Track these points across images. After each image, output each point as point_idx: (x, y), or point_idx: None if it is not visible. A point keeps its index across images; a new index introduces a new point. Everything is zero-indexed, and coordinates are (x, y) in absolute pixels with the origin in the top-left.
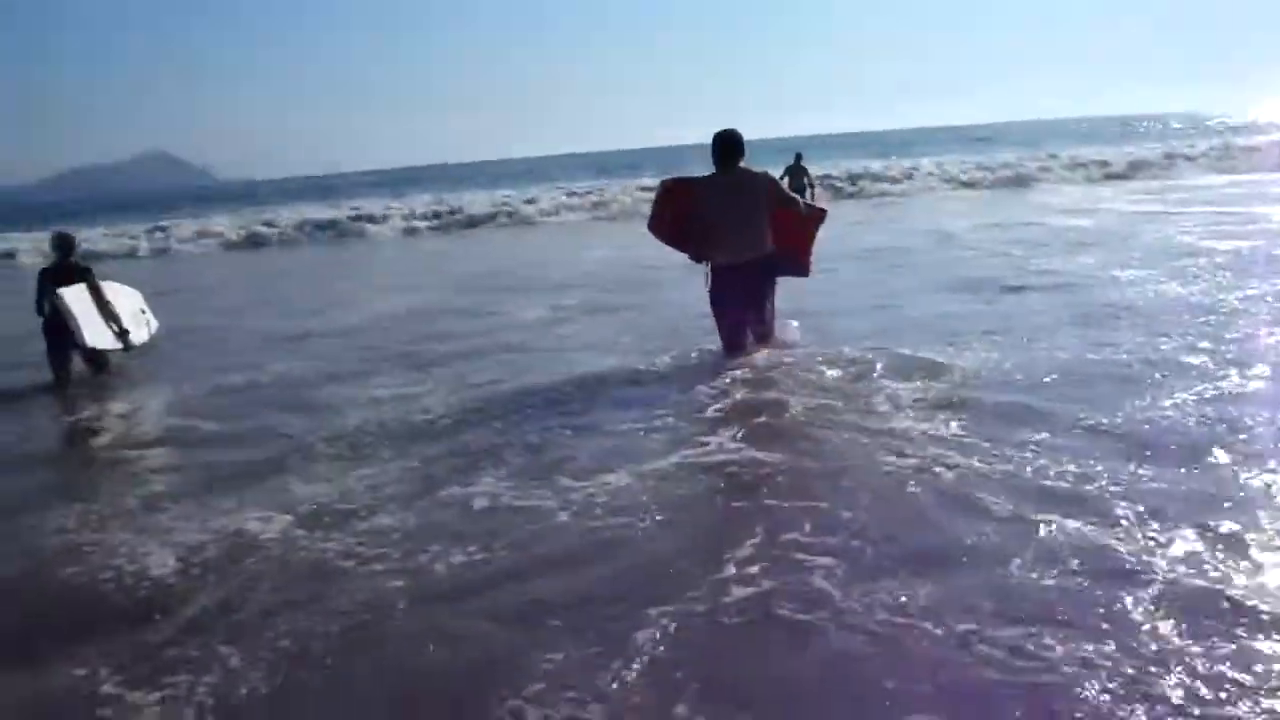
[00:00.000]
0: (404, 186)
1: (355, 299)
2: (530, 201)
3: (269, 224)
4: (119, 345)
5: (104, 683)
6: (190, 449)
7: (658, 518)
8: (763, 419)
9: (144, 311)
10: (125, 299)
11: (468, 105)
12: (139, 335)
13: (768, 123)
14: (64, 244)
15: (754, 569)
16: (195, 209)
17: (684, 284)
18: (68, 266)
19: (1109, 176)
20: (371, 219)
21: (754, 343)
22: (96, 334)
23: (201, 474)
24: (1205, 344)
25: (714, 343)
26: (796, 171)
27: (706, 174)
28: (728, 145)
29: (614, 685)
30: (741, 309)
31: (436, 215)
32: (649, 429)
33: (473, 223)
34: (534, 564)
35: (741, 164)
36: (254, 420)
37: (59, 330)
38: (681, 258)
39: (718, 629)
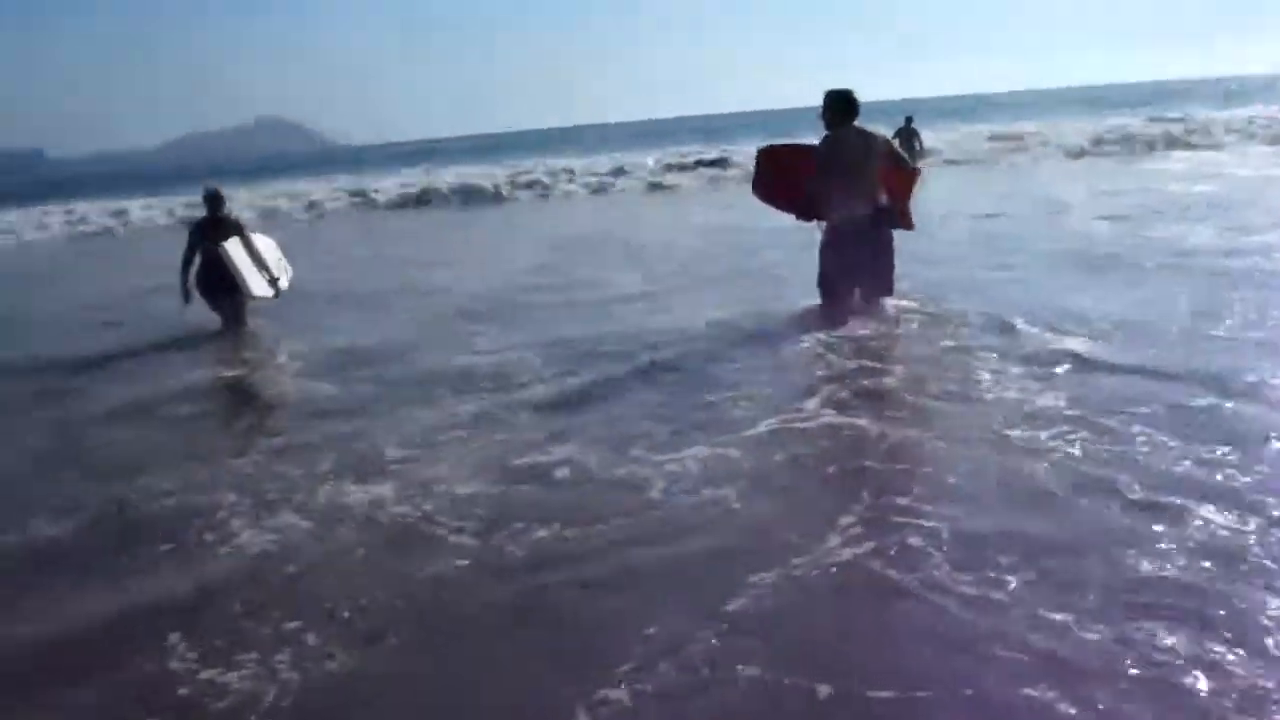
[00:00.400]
0: (508, 151)
1: (500, 257)
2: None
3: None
4: (271, 292)
5: (182, 656)
6: (299, 411)
7: (754, 484)
8: (864, 384)
9: (282, 260)
10: (268, 250)
11: (560, 69)
12: (284, 282)
13: (870, 84)
14: (214, 199)
15: (856, 531)
16: (322, 170)
17: (787, 247)
18: (219, 220)
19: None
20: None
21: (867, 302)
22: (257, 283)
23: (302, 436)
24: None
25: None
26: (907, 135)
27: (819, 138)
28: (841, 103)
29: (710, 653)
30: (850, 267)
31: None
32: (743, 395)
33: (602, 188)
34: (627, 532)
35: (856, 123)
36: (357, 383)
37: (213, 280)
38: (787, 220)
39: (816, 596)
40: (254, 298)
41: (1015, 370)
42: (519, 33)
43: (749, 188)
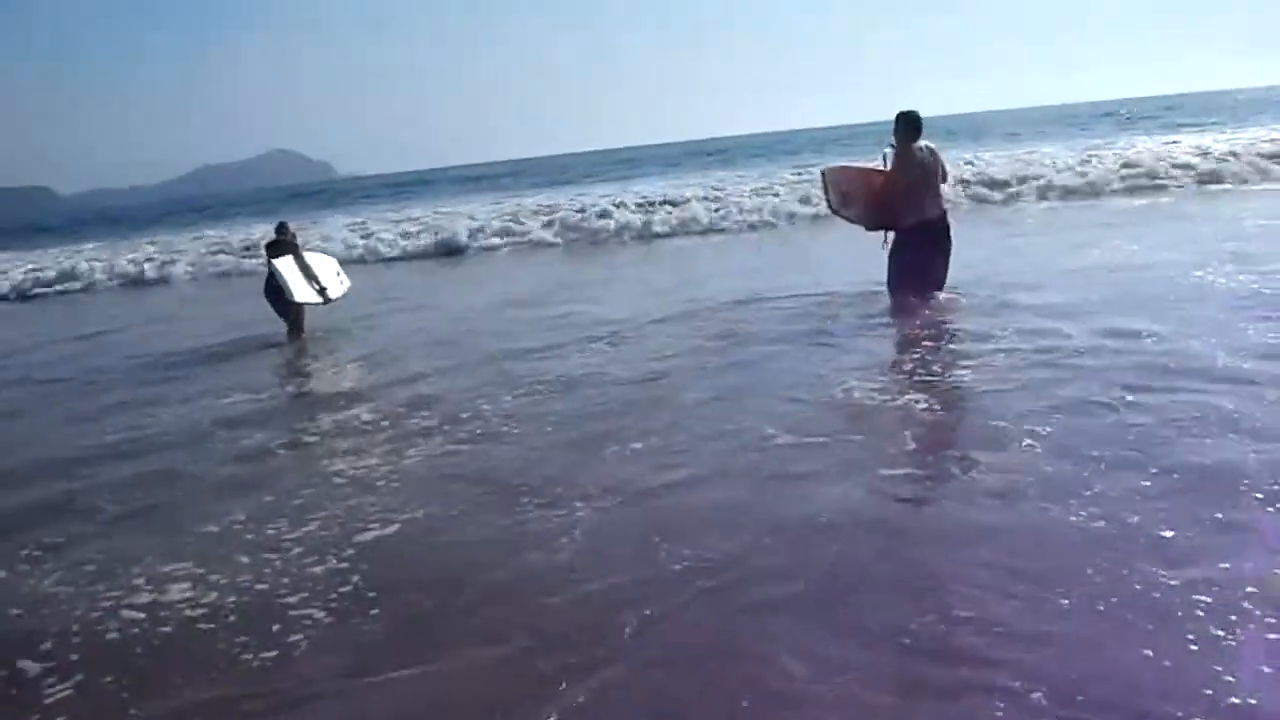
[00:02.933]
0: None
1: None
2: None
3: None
4: (320, 300)
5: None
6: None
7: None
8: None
9: (339, 274)
10: (324, 263)
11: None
12: (335, 291)
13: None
14: (281, 227)
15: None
16: (349, 203)
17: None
18: (282, 242)
19: None
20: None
21: (923, 296)
22: (303, 292)
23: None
24: None
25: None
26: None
27: (895, 151)
28: (914, 122)
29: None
30: (918, 265)
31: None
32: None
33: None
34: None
35: (921, 140)
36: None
37: (277, 290)
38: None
39: None
40: (298, 304)
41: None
42: (534, 62)
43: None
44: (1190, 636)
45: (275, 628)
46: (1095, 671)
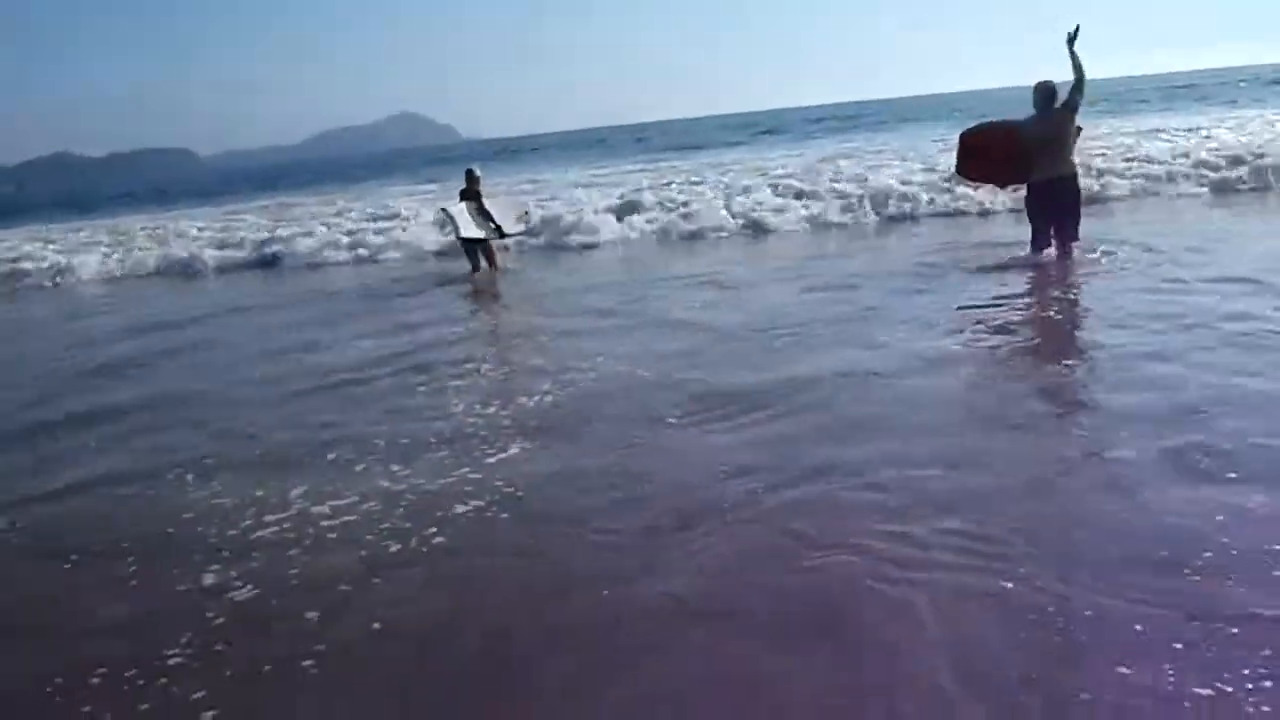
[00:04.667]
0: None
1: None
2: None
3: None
4: (495, 235)
5: None
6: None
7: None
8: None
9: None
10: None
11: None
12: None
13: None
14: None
15: None
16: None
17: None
18: (470, 190)
19: None
20: None
21: (1061, 246)
22: (469, 229)
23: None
24: None
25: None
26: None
27: (1023, 118)
28: (1049, 92)
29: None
30: (1049, 217)
31: None
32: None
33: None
34: None
35: (1055, 105)
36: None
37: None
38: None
39: None
40: (462, 239)
41: None
42: (659, 28)
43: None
44: None
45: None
46: None
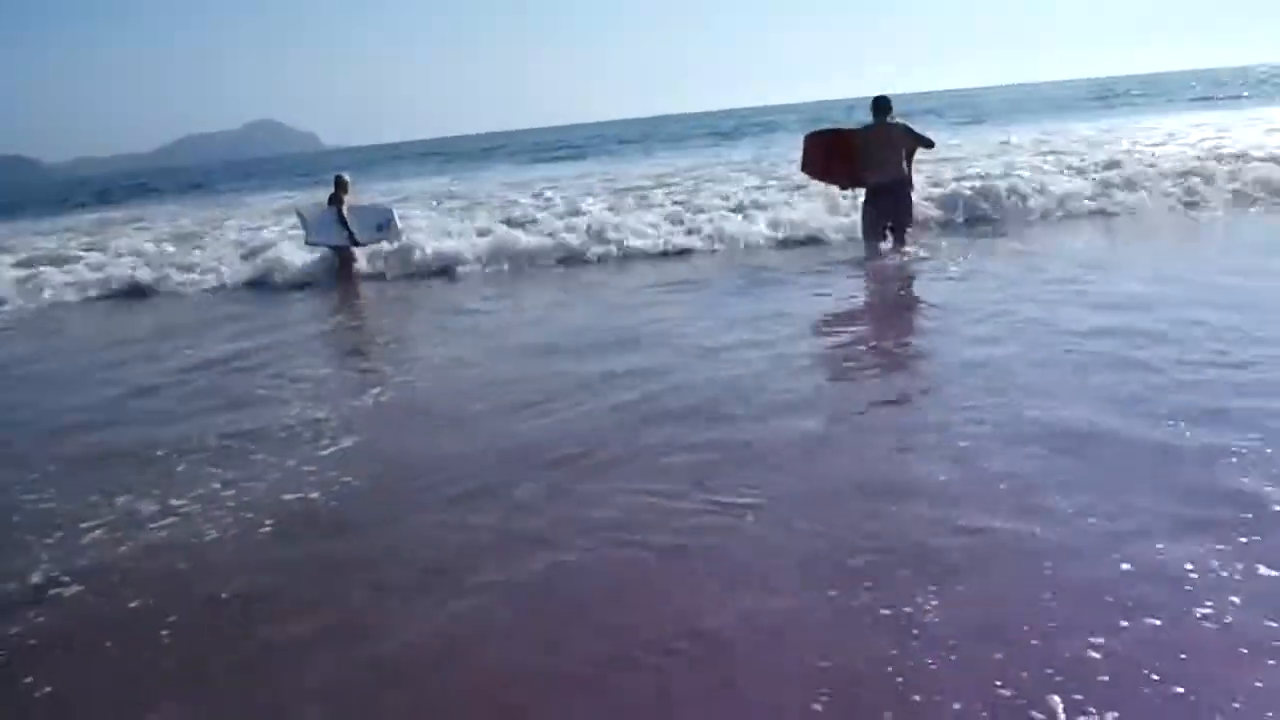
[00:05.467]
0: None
1: None
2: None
3: None
4: (348, 243)
5: None
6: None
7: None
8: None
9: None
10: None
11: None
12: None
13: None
14: (338, 181)
15: None
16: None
17: None
18: (336, 196)
19: None
20: None
21: (892, 244)
22: (325, 236)
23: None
24: None
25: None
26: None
27: (862, 125)
28: (882, 103)
29: None
30: (882, 216)
31: None
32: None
33: None
34: None
35: (890, 118)
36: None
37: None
38: None
39: None
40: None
41: None
42: (516, 33)
43: None
44: None
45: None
46: None
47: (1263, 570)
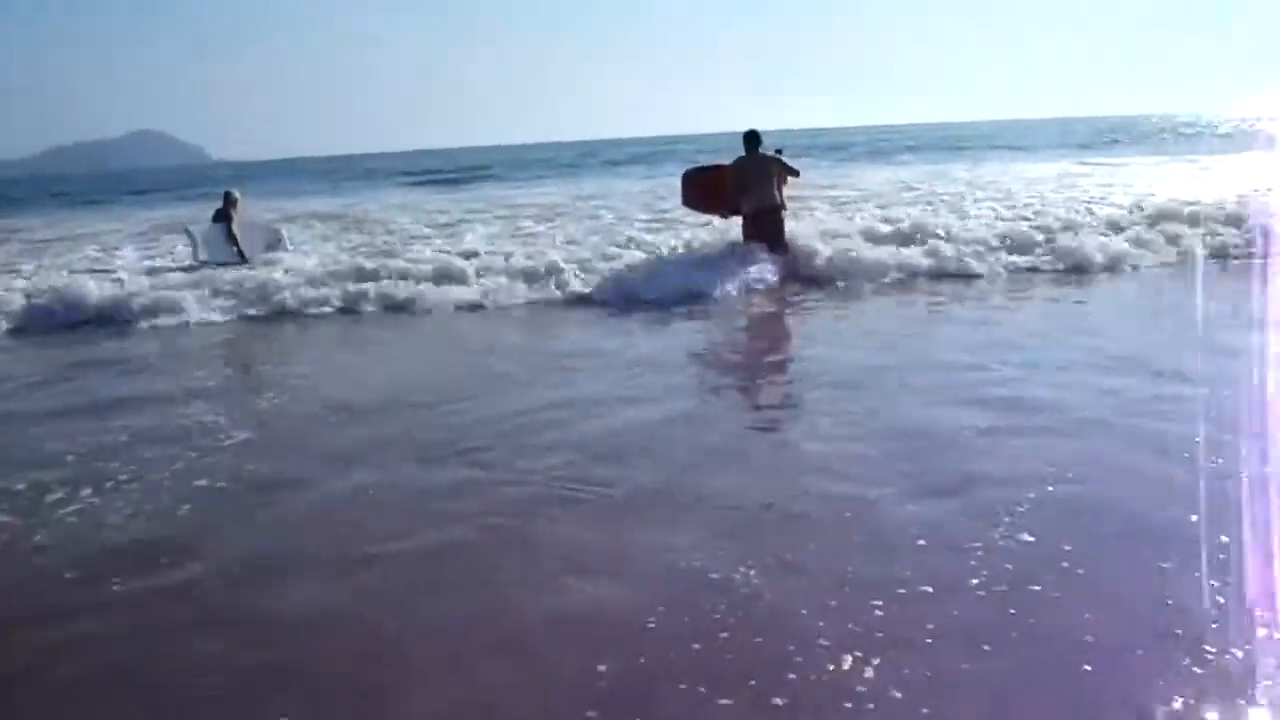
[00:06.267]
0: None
1: None
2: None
3: None
4: (237, 260)
5: None
6: None
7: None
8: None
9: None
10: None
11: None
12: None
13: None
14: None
15: None
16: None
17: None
18: (223, 212)
19: None
20: None
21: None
22: (215, 254)
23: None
24: None
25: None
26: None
27: (737, 157)
28: (753, 137)
29: None
30: (759, 237)
31: None
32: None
33: None
34: None
35: (760, 149)
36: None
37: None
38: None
39: None
40: (200, 261)
41: None
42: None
43: None
44: None
45: None
46: None
47: None
